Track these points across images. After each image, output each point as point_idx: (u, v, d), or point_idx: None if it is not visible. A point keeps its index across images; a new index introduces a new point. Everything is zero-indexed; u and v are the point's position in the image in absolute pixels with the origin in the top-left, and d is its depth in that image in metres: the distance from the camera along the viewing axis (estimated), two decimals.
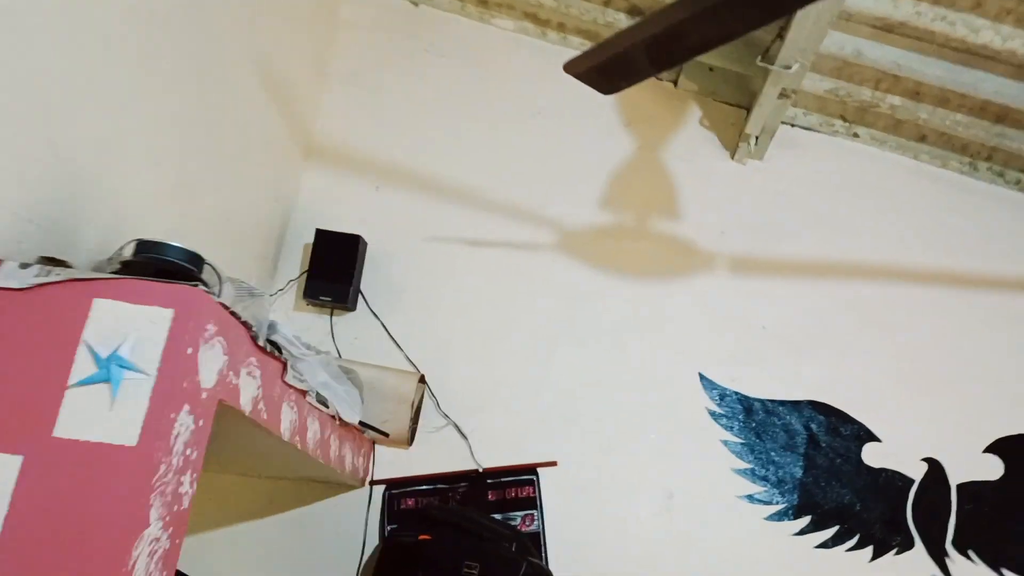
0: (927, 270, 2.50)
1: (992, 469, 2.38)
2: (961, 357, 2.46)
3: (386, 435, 2.19)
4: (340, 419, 1.80)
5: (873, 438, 2.40)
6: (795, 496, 2.39)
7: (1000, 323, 2.48)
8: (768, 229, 2.54)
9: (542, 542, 2.31)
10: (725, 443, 2.42)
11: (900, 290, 2.50)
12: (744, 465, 2.41)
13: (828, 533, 2.37)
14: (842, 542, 2.36)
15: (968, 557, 2.33)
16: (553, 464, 2.39)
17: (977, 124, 2.36)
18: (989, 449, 2.38)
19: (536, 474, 2.36)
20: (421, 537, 2.07)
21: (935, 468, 2.38)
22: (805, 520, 2.38)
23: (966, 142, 2.49)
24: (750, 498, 2.38)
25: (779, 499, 2.38)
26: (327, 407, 1.69)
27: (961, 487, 2.37)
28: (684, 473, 2.40)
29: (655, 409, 2.43)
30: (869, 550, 2.35)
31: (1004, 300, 2.48)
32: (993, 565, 2.32)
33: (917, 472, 2.38)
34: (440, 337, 2.44)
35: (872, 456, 2.40)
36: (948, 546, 2.34)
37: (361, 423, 2.04)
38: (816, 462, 2.40)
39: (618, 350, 2.47)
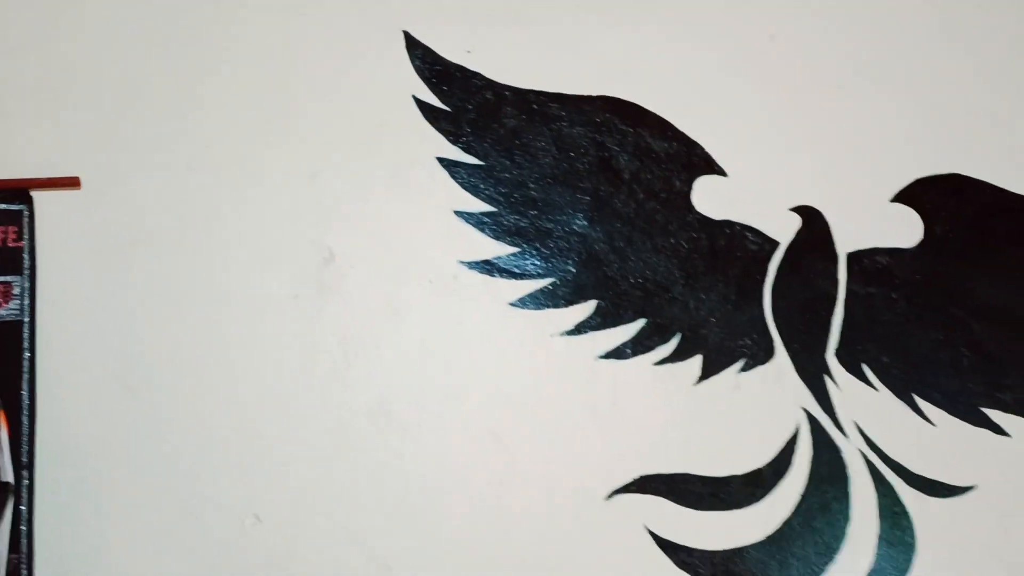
0: None
1: (904, 230, 1.33)
2: (864, 56, 1.38)
3: None
4: None
5: (713, 168, 1.30)
6: (570, 266, 1.25)
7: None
8: None
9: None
10: (445, 162, 1.25)
11: None
12: (478, 205, 1.24)
13: (626, 331, 1.25)
14: (647, 347, 1.25)
15: (862, 377, 1.27)
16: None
17: None
18: (901, 197, 1.32)
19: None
20: None
21: (814, 224, 1.31)
22: (587, 307, 1.25)
23: None
24: (486, 265, 1.23)
25: (539, 269, 1.24)
26: None
27: (855, 258, 1.30)
28: (359, 215, 1.22)
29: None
30: (696, 362, 1.25)
31: None
32: (900, 389, 1.27)
33: (783, 231, 1.30)
34: None
35: (710, 199, 1.29)
36: (829, 357, 1.28)
37: None
38: (612, 205, 1.27)
39: None
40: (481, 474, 1.23)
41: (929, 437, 1.29)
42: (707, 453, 1.24)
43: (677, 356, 1.26)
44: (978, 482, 1.28)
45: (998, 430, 1.30)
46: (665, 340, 1.26)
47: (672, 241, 1.29)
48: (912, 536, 1.25)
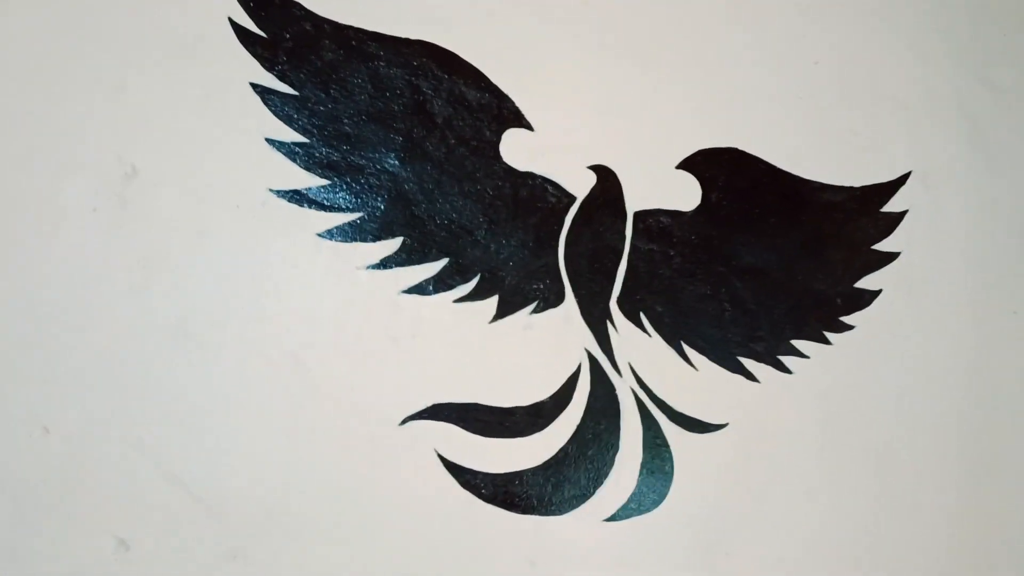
0: None
1: (685, 194, 1.48)
2: (668, 32, 1.51)
3: None
4: None
5: (522, 122, 1.37)
6: (380, 202, 1.29)
7: None
8: None
9: None
10: (259, 88, 1.25)
11: None
12: (290, 135, 1.26)
13: (429, 269, 1.31)
14: (448, 285, 1.32)
15: (638, 324, 1.41)
16: None
17: None
18: (684, 165, 1.47)
19: None
20: None
21: (608, 183, 1.43)
22: (394, 243, 1.30)
23: None
24: (296, 195, 1.25)
25: (349, 203, 1.27)
26: None
27: (640, 217, 1.43)
28: (166, 132, 1.20)
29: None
30: (493, 302, 1.33)
31: None
32: (670, 337, 1.42)
33: (580, 187, 1.40)
34: None
35: (516, 151, 1.37)
36: (612, 305, 1.40)
37: None
38: (424, 148, 1.32)
39: None
40: (280, 396, 1.26)
41: (692, 380, 1.45)
42: (496, 386, 1.33)
43: (475, 295, 1.34)
44: (730, 420, 1.46)
45: (750, 376, 1.48)
46: (466, 280, 1.34)
47: (479, 187, 1.36)
48: (671, 466, 1.42)
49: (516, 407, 1.33)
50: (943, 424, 1.61)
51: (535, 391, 1.35)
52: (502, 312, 1.35)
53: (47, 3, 1.18)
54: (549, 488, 1.34)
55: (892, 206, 1.62)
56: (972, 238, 1.67)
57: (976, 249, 1.67)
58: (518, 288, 1.36)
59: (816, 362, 1.53)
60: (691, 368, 1.44)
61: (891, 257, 1.60)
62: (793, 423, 1.51)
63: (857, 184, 1.60)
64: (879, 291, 1.57)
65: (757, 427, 1.49)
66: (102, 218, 1.16)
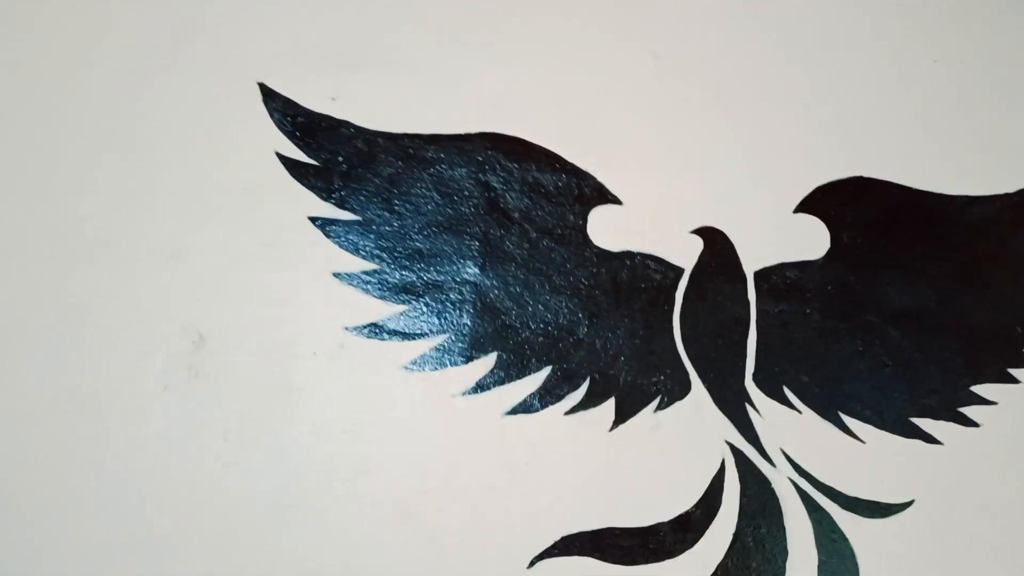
0: None
1: (811, 241, 1.28)
2: (748, 68, 1.34)
3: None
4: None
5: (607, 197, 1.23)
6: (465, 318, 1.16)
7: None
8: None
9: None
10: (319, 221, 1.15)
11: None
12: (359, 264, 1.15)
13: (532, 382, 1.16)
14: (557, 396, 1.17)
15: (783, 400, 1.21)
16: None
17: None
18: (804, 207, 1.27)
19: None
20: None
21: (718, 245, 1.25)
22: (488, 361, 1.16)
23: None
24: (375, 328, 1.13)
25: (432, 326, 1.15)
26: None
27: (763, 275, 1.25)
28: (228, 291, 1.11)
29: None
30: (609, 406, 1.17)
31: None
32: (824, 409, 1.21)
33: (686, 255, 1.23)
34: None
35: (606, 231, 1.22)
36: (747, 383, 1.21)
37: None
38: (503, 248, 1.19)
39: None
40: (397, 553, 1.12)
41: (859, 455, 1.23)
42: (630, 502, 1.16)
43: (588, 402, 1.18)
44: (915, 496, 1.22)
45: (929, 439, 1.25)
46: (575, 386, 1.18)
47: (571, 279, 1.21)
48: (854, 562, 1.19)
49: (658, 523, 1.15)
50: None
51: (677, 501, 1.16)
52: (622, 415, 1.18)
53: (94, 181, 1.12)
54: None
55: None
56: None
57: None
58: (635, 385, 1.19)
59: (1005, 407, 1.27)
60: (857, 441, 1.22)
61: None
62: (991, 485, 1.25)
63: (1012, 189, 1.36)
64: None
65: (948, 498, 1.24)
66: (174, 396, 1.07)
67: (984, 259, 1.33)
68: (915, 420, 1.26)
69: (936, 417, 1.26)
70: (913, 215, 1.33)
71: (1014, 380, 1.29)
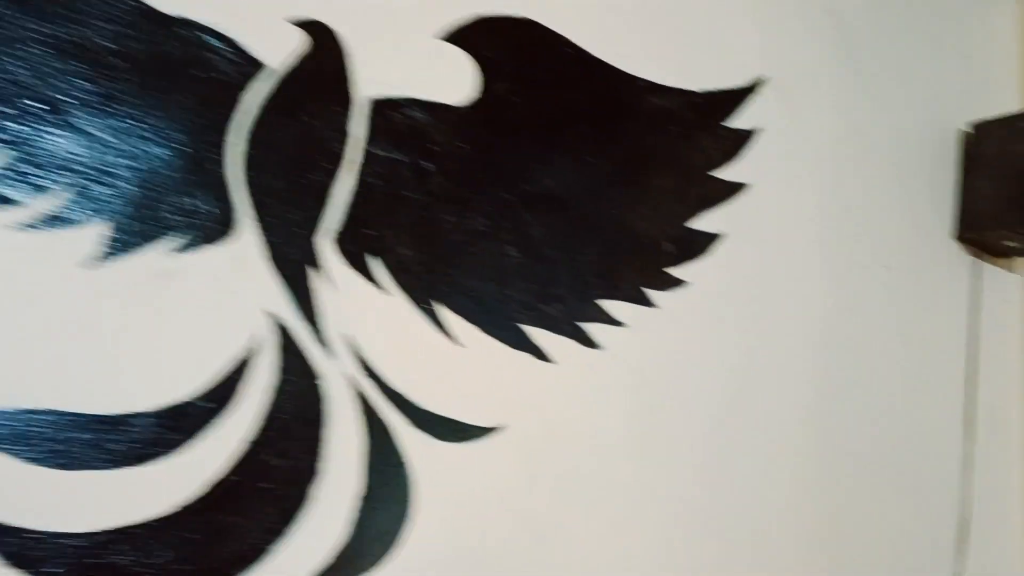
0: None
1: (454, 81, 0.94)
2: None
3: None
4: None
5: None
6: None
7: None
8: None
9: None
10: None
11: None
12: None
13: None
14: (5, 199, 0.71)
15: (366, 273, 0.87)
16: None
17: None
18: (456, 38, 0.93)
19: None
20: None
21: (326, 48, 0.86)
22: None
23: None
24: None
25: None
26: None
27: (381, 108, 0.89)
28: None
29: None
30: (96, 232, 0.74)
31: None
32: (421, 295, 0.89)
33: (277, 52, 0.83)
34: None
35: None
36: (322, 241, 0.84)
37: None
38: None
39: None
40: None
41: (451, 361, 0.93)
42: (100, 377, 0.75)
43: (63, 220, 0.74)
44: (508, 422, 0.95)
45: (540, 355, 0.99)
46: (39, 189, 0.73)
47: (83, 32, 0.75)
48: (406, 497, 0.89)
49: (132, 414, 0.75)
50: (791, 419, 1.19)
51: (170, 386, 0.77)
52: (116, 249, 0.76)
53: None
54: (170, 554, 0.78)
55: (739, 122, 1.16)
56: (837, 167, 1.25)
57: (842, 182, 1.25)
58: (149, 206, 0.77)
59: (633, 332, 1.05)
60: (452, 343, 0.92)
61: (735, 189, 1.15)
62: (600, 421, 1.03)
63: (697, 88, 1.13)
64: (719, 235, 1.12)
65: (546, 429, 0.99)
66: None
67: (653, 157, 1.09)
68: (528, 328, 0.99)
69: (554, 330, 1.00)
70: (584, 84, 1.05)
71: (649, 303, 1.07)
